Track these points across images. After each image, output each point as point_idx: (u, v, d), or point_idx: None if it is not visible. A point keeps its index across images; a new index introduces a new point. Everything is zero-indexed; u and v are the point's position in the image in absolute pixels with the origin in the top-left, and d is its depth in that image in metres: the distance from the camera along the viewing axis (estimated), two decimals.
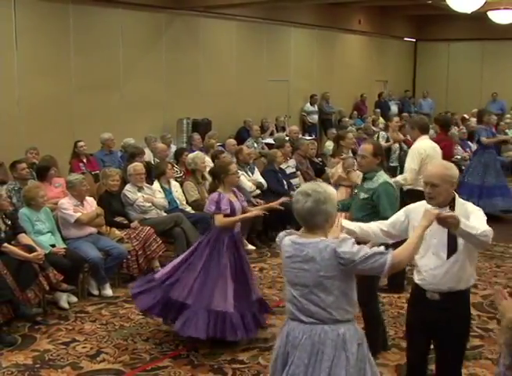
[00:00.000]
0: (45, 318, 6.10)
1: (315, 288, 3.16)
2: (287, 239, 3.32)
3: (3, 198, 6.41)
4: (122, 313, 6.30)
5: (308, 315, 3.21)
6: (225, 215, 5.46)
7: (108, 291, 6.79)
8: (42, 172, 7.72)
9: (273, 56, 15.45)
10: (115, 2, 11.49)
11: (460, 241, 3.60)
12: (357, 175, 6.69)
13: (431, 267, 3.68)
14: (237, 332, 5.23)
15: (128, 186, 7.62)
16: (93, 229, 6.95)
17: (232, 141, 10.68)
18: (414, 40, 21.63)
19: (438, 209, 3.51)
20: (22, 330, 5.84)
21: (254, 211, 5.83)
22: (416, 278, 3.82)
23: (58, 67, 10.83)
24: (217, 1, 12.37)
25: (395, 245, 3.39)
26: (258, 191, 9.07)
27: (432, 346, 3.90)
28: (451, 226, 3.43)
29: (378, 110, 17.41)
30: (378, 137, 9.54)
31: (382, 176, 5.23)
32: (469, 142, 12.57)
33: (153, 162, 9.49)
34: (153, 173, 8.27)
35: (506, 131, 13.34)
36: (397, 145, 8.45)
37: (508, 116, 15.32)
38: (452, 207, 3.65)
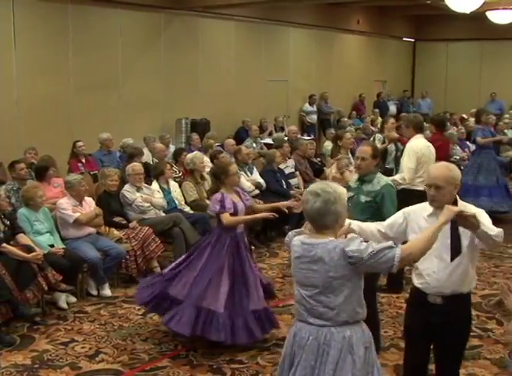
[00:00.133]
0: (43, 318, 6.09)
1: (325, 289, 3.13)
2: (296, 239, 3.29)
3: (2, 198, 6.41)
4: (121, 313, 6.30)
5: (316, 316, 3.19)
6: (230, 215, 5.45)
7: (107, 291, 6.79)
8: (41, 172, 7.71)
9: (272, 56, 15.45)
10: (114, 2, 11.48)
11: (464, 244, 3.57)
12: (351, 175, 6.66)
13: (434, 270, 3.63)
14: (221, 333, 5.15)
15: (126, 186, 7.62)
16: (92, 230, 6.95)
17: (231, 141, 10.69)
18: (413, 40, 21.65)
19: (457, 207, 3.44)
20: (21, 330, 5.84)
21: (264, 213, 5.69)
22: (417, 282, 3.76)
23: (56, 67, 10.82)
24: (215, 1, 12.37)
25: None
26: (257, 191, 9.07)
27: (431, 346, 3.90)
28: (471, 226, 3.40)
29: (377, 110, 17.42)
30: (374, 139, 9.53)
31: (382, 178, 5.22)
32: (467, 143, 12.57)
33: (151, 162, 9.49)
34: (152, 173, 8.27)
35: (505, 131, 13.34)
36: (393, 147, 8.42)
37: (507, 116, 15.33)
38: None
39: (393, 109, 19.04)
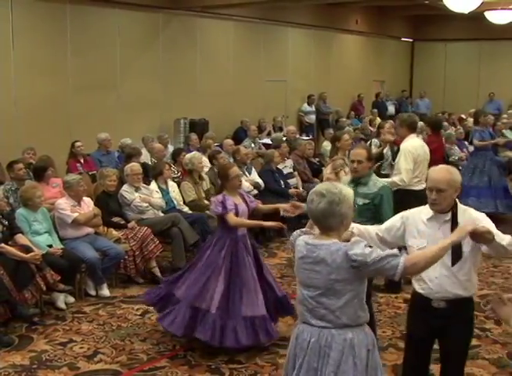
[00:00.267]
0: (42, 318, 6.08)
1: (327, 291, 3.11)
2: (301, 239, 3.27)
3: (0, 198, 6.41)
4: (119, 314, 6.29)
5: (318, 317, 3.17)
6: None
7: (105, 292, 6.78)
8: (39, 172, 7.71)
9: (270, 56, 15.45)
10: (112, 2, 11.48)
11: (467, 249, 3.54)
12: (345, 175, 6.65)
13: (436, 276, 3.60)
14: (208, 332, 5.11)
15: (125, 187, 7.62)
16: (90, 230, 6.95)
17: (230, 141, 10.69)
18: (411, 40, 21.66)
19: (471, 225, 3.34)
20: (19, 330, 5.83)
21: (271, 223, 5.62)
22: (418, 287, 3.72)
23: (55, 67, 10.81)
24: (214, 1, 12.36)
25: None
26: (256, 191, 9.07)
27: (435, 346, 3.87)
28: (486, 241, 3.36)
29: (375, 110, 17.43)
30: (371, 144, 9.46)
31: (378, 180, 5.22)
32: (466, 143, 12.57)
33: (150, 162, 9.49)
34: (151, 173, 8.26)
35: (503, 131, 13.33)
36: (389, 152, 8.34)
37: (505, 116, 15.30)
38: (455, 213, 3.58)
39: (391, 109, 19.08)
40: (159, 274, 7.21)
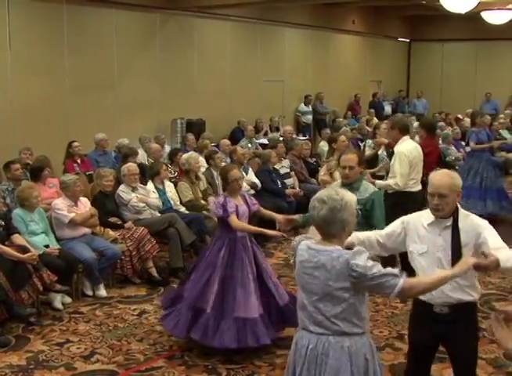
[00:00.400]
0: (38, 319, 6.07)
1: (324, 297, 3.10)
2: (303, 243, 3.26)
3: None
4: (116, 314, 6.29)
5: (316, 324, 3.16)
6: None
7: (102, 292, 6.77)
8: (36, 173, 7.70)
9: (268, 57, 15.46)
10: (109, 2, 11.47)
11: (468, 255, 3.50)
12: (339, 175, 6.61)
13: None
14: (198, 332, 5.11)
15: (121, 187, 7.61)
16: (87, 230, 6.94)
17: (227, 141, 10.69)
18: (408, 40, 21.69)
19: (473, 258, 3.30)
20: (16, 330, 5.83)
21: (274, 232, 5.60)
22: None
23: (52, 67, 10.80)
24: (211, 1, 12.36)
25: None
26: (252, 191, 9.07)
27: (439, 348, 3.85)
28: (493, 269, 3.32)
29: (372, 110, 17.42)
30: (365, 146, 9.43)
31: (369, 185, 5.21)
32: (463, 143, 12.59)
33: (147, 162, 9.48)
34: (147, 173, 8.26)
35: (500, 131, 13.36)
36: (384, 153, 8.31)
37: (502, 116, 15.34)
38: (456, 219, 3.56)
39: (388, 109, 19.09)
40: (156, 274, 7.21)
